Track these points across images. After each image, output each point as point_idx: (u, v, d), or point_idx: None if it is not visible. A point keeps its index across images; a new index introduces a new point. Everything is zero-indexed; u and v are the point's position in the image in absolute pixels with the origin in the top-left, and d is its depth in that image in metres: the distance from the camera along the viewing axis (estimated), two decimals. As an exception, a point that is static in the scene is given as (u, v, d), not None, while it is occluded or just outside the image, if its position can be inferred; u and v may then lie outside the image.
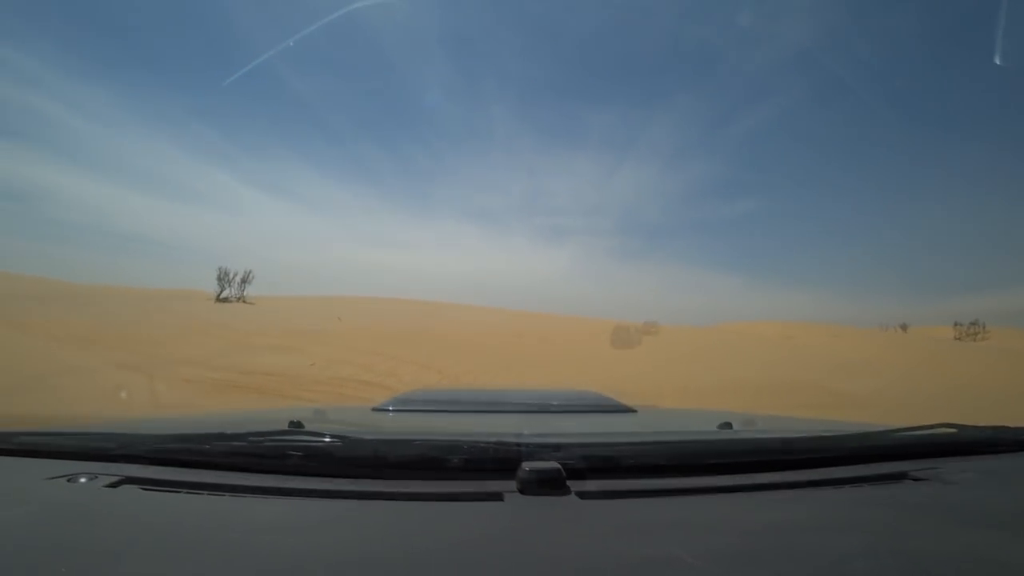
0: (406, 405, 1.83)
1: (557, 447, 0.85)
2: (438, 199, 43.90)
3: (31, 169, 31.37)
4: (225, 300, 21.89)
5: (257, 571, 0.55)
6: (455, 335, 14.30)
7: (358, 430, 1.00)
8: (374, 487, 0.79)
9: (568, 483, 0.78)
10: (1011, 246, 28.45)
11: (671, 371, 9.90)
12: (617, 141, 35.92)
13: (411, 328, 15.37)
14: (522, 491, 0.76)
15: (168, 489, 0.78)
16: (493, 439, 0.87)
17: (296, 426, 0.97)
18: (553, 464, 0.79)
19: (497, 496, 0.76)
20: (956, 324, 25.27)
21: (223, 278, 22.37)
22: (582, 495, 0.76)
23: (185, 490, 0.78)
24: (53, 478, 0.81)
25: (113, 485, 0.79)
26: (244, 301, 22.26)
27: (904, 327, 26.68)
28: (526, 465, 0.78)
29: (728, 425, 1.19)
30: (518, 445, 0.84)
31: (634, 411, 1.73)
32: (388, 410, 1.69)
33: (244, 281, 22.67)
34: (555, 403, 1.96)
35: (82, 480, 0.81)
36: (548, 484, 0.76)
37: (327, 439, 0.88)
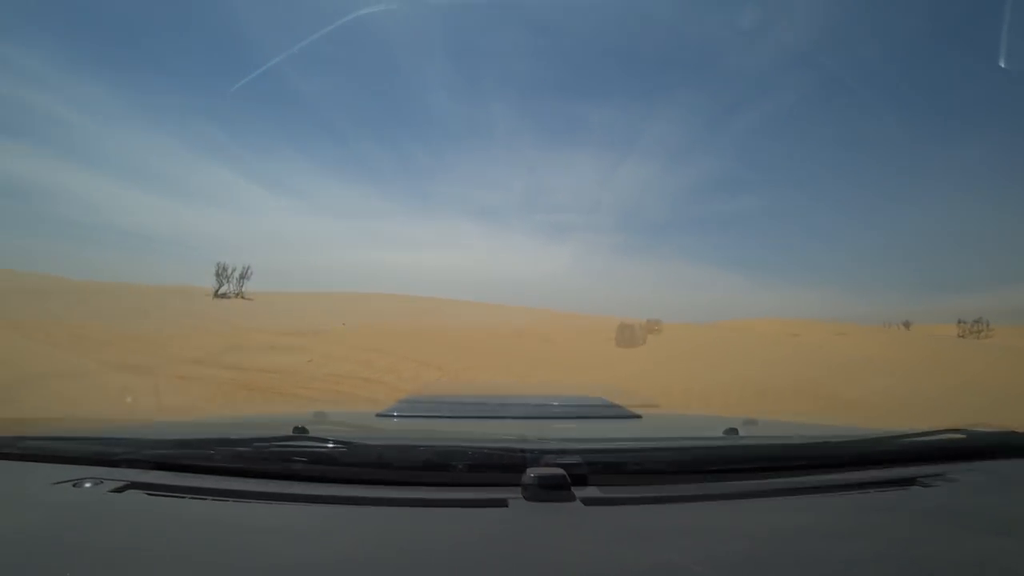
0: (410, 410, 1.84)
1: (562, 453, 0.84)
2: (439, 196, 43.68)
3: (30, 165, 31.27)
4: (223, 296, 21.84)
5: None
6: (455, 332, 14.23)
7: (362, 435, 0.99)
8: (378, 493, 0.79)
9: (573, 489, 0.78)
10: (1015, 243, 28.33)
11: (675, 369, 9.82)
12: (619, 137, 35.60)
13: (411, 324, 15.31)
14: (527, 497, 0.76)
15: (173, 494, 0.79)
16: (498, 445, 0.87)
17: (300, 431, 0.97)
18: (558, 470, 0.78)
19: (502, 502, 0.76)
20: (960, 322, 25.16)
21: (221, 274, 22.30)
22: (587, 501, 0.76)
23: (190, 495, 0.78)
24: (58, 483, 0.82)
25: (118, 490, 0.79)
26: (242, 297, 22.22)
27: (907, 325, 26.59)
28: (531, 471, 0.78)
29: (734, 431, 1.17)
30: (523, 451, 0.84)
31: (639, 416, 1.72)
32: (392, 415, 1.69)
33: (242, 277, 22.62)
34: (560, 408, 1.96)
35: (87, 485, 0.81)
36: (553, 490, 0.76)
37: (331, 445, 0.87)
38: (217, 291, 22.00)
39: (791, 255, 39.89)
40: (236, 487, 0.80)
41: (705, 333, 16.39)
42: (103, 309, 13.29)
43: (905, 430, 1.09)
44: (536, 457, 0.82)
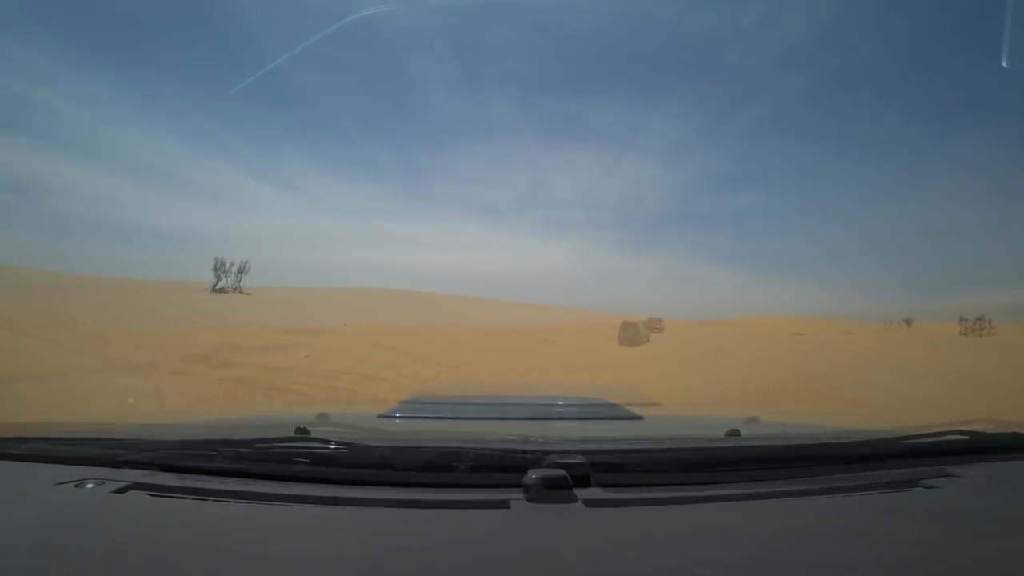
0: (412, 411, 1.85)
1: (564, 454, 0.84)
2: (440, 192, 43.72)
3: (29, 160, 31.13)
4: (221, 291, 21.77)
5: None
6: (455, 327, 14.17)
7: (364, 437, 0.99)
8: (381, 494, 0.79)
9: (575, 490, 0.78)
10: (1017, 241, 28.20)
11: (677, 367, 9.76)
12: (619, 134, 35.38)
13: (410, 320, 15.26)
14: (529, 498, 0.76)
15: (175, 495, 0.79)
16: (499, 446, 0.88)
17: (302, 433, 0.97)
18: (560, 471, 0.78)
19: (504, 503, 0.76)
20: (962, 319, 25.02)
21: (219, 268, 22.19)
22: (589, 503, 0.76)
23: (191, 496, 0.78)
24: (61, 484, 0.82)
25: (120, 491, 0.80)
26: (241, 292, 22.15)
27: (908, 322, 26.49)
28: (533, 472, 0.78)
29: (736, 432, 1.16)
30: (524, 452, 0.84)
31: (641, 418, 1.71)
32: (394, 416, 1.69)
33: (240, 272, 22.52)
34: (562, 408, 1.96)
35: (89, 486, 0.81)
36: (555, 491, 0.76)
37: (333, 446, 0.87)
38: (215, 286, 21.92)
39: (795, 252, 39.85)
40: (238, 488, 0.80)
41: (707, 330, 16.32)
42: (100, 305, 13.23)
43: (908, 430, 1.08)
44: (538, 458, 0.82)
